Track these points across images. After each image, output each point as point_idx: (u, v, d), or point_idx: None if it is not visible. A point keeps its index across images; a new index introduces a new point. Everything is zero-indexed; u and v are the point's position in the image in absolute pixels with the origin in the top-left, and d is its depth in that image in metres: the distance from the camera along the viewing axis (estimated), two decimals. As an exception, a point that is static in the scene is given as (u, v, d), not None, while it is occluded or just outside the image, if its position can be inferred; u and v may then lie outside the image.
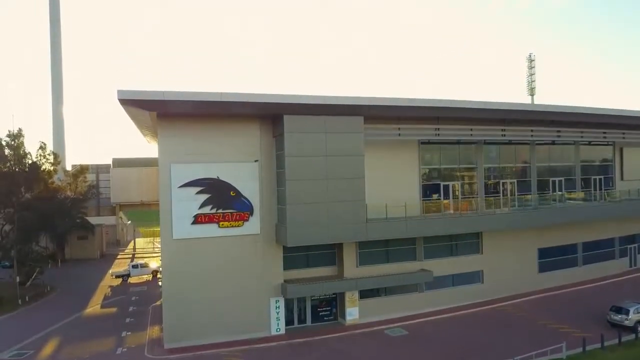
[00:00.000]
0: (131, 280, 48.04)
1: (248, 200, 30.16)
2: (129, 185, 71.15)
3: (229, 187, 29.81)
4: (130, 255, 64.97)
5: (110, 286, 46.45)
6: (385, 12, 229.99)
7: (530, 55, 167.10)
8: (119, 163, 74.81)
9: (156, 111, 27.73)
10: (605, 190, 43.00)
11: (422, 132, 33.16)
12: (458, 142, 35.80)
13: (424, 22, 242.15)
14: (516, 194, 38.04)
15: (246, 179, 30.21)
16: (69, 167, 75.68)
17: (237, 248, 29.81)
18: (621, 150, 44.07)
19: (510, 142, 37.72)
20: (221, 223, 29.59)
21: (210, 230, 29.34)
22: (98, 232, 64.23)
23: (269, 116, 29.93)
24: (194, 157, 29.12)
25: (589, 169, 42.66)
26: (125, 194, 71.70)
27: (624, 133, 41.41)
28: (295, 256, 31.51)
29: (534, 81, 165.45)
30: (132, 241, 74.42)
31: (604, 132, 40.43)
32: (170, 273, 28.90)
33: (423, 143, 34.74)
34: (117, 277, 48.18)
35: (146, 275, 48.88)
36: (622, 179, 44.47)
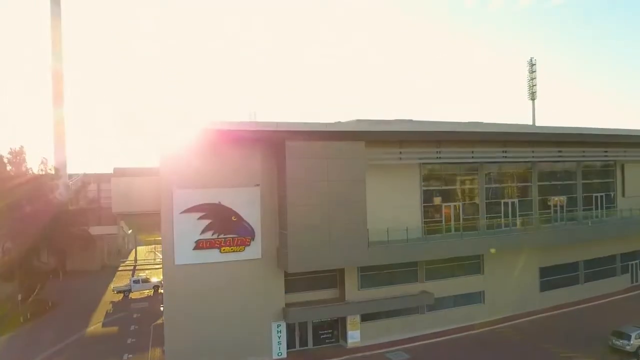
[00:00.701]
0: (132, 295, 48.11)
1: (249, 225, 30.18)
2: (130, 195, 71.40)
3: (230, 212, 29.82)
4: (132, 267, 65.13)
5: (112, 302, 46.50)
6: (385, 11, 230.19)
7: (531, 60, 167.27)
8: (120, 173, 75.01)
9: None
10: (606, 206, 43.15)
11: (424, 155, 33.20)
12: (460, 163, 35.81)
13: (423, 22, 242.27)
14: (518, 213, 38.11)
15: (247, 203, 30.22)
16: (70, 171, 75.69)
17: (238, 273, 29.82)
18: (622, 166, 44.04)
19: (511, 162, 37.70)
20: (222, 248, 29.62)
21: (211, 255, 29.36)
22: (99, 243, 64.27)
23: (271, 141, 29.95)
24: (196, 183, 29.12)
25: (590, 186, 42.62)
26: (126, 204, 71.92)
27: (625, 151, 41.43)
28: (296, 279, 31.47)
29: (535, 85, 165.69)
30: (134, 250, 74.57)
31: (605, 151, 40.46)
32: (172, 299, 28.90)
33: (424, 163, 34.79)
34: (119, 292, 48.25)
35: (147, 290, 48.95)
36: (623, 195, 44.44)
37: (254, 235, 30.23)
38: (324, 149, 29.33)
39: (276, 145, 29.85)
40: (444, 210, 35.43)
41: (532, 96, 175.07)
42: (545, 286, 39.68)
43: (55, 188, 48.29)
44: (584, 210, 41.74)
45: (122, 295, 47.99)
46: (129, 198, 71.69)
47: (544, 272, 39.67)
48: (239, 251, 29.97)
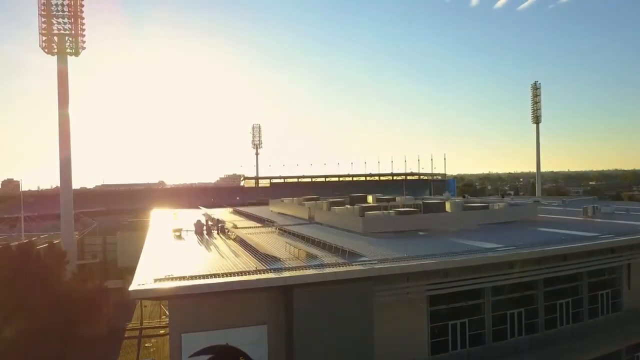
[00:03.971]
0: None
1: (257, 364, 30.40)
2: (135, 249, 72.00)
3: (237, 352, 30.02)
4: (138, 331, 65.22)
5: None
6: (384, 15, 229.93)
7: (535, 84, 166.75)
8: (126, 228, 75.74)
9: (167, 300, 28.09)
10: (612, 302, 43.27)
11: (431, 287, 33.26)
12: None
13: (423, 24, 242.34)
14: (524, 322, 38.25)
15: (254, 341, 30.40)
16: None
17: (246, 412, 30.05)
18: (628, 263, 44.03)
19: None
20: (230, 390, 29.86)
21: (219, 397, 29.61)
22: (105, 308, 64.41)
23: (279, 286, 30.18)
24: (204, 326, 29.36)
25: (596, 285, 42.64)
26: (131, 258, 72.40)
27: (631, 254, 41.42)
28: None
29: (539, 109, 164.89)
30: (139, 302, 74.33)
31: (611, 257, 40.45)
32: None
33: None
34: (125, 379, 48.50)
35: (154, 376, 49.18)
36: (629, 288, 44.51)
37: (262, 374, 30.46)
38: (333, 292, 29.70)
39: (283, 288, 30.04)
40: (450, 329, 35.58)
41: (537, 119, 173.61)
42: (551, 394, 39.69)
43: (64, 276, 48.50)
44: (589, 309, 41.92)
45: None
46: (134, 252, 72.41)
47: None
48: (246, 391, 30.21)
